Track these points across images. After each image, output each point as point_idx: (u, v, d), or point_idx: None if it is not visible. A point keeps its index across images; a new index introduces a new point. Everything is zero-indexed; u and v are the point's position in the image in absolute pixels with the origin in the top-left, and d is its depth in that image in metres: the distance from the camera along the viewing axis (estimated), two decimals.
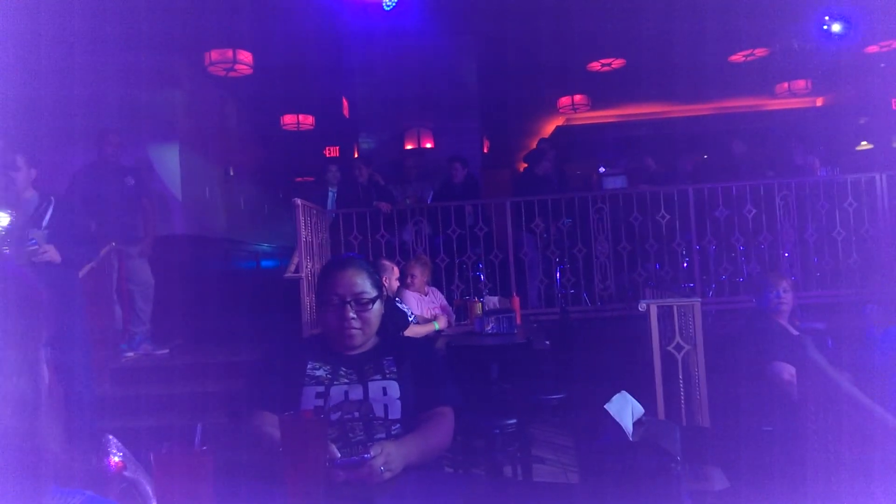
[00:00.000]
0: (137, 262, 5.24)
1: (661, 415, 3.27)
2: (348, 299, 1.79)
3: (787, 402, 2.54)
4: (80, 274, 3.79)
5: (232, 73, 6.59)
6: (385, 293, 1.89)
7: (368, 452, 1.40)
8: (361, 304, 1.79)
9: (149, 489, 1.20)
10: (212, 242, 7.23)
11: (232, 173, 8.15)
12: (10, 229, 3.04)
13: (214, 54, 6.32)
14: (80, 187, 4.98)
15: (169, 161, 6.62)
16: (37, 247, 3.10)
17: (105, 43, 6.11)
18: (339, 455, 1.41)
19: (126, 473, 1.22)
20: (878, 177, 5.81)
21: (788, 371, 2.64)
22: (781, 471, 1.92)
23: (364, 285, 1.81)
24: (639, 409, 1.87)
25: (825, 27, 6.83)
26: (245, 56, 6.42)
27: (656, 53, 7.24)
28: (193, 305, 6.16)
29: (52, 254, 3.17)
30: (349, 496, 1.35)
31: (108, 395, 4.47)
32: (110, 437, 1.24)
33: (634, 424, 1.84)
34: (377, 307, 1.83)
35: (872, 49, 7.57)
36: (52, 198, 3.36)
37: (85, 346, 3.52)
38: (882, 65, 8.21)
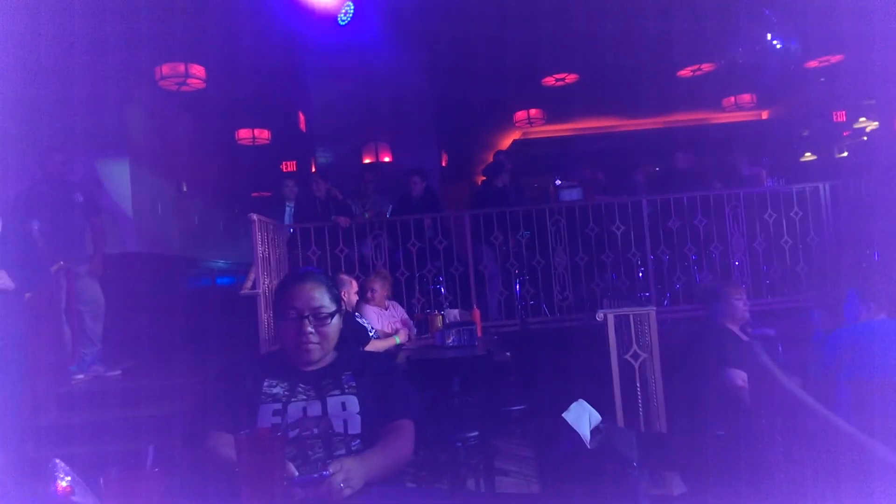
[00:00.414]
0: (87, 281, 5.06)
1: (620, 422, 3.32)
2: (306, 314, 1.76)
3: (740, 406, 2.61)
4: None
5: (184, 88, 6.48)
6: (344, 308, 1.87)
7: (327, 469, 1.38)
8: (319, 319, 1.77)
9: None
10: (165, 260, 7.05)
11: (185, 189, 7.98)
12: None
13: (165, 68, 6.22)
14: (25, 205, 4.80)
15: (119, 177, 6.44)
16: None
17: (59, 54, 5.95)
18: (297, 473, 1.38)
19: (74, 499, 1.18)
20: (821, 186, 6.07)
21: (741, 377, 2.71)
22: (736, 474, 1.96)
23: (322, 299, 1.79)
24: (596, 417, 1.89)
25: (768, 43, 7.13)
26: (198, 70, 6.33)
27: (608, 69, 7.43)
28: (146, 325, 5.98)
29: (4, 281, 2.77)
30: None
31: (55, 421, 4.29)
32: (57, 461, 1.20)
33: (592, 432, 1.86)
34: (335, 322, 1.81)
35: (812, 64, 7.93)
36: None
37: (22, 373, 3.33)
38: (822, 79, 8.61)
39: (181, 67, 6.21)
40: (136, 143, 6.71)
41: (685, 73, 8.09)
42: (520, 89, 8.40)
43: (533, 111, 9.21)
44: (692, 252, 6.07)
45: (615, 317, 3.61)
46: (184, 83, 6.35)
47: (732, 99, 9.14)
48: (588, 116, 10.26)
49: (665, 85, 8.34)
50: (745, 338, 3.13)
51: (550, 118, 9.51)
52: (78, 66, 6.13)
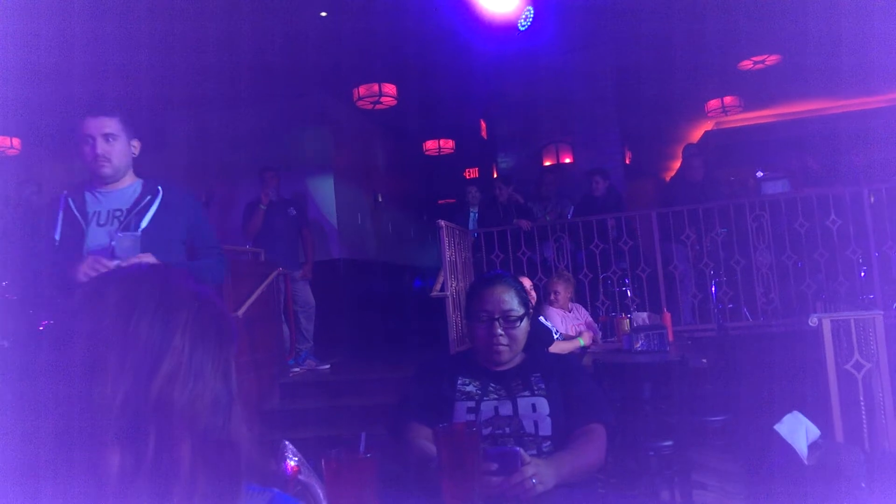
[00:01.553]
0: (300, 285, 5.71)
1: (840, 438, 2.94)
2: (496, 316, 1.82)
3: None
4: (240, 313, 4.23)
5: (378, 106, 7.00)
6: (531, 310, 1.90)
7: (517, 447, 1.43)
8: (509, 322, 1.82)
9: (320, 492, 1.30)
10: (364, 265, 7.68)
11: (380, 199, 8.63)
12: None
13: (362, 89, 6.76)
14: (246, 220, 5.58)
15: (325, 191, 7.16)
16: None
17: (270, 88, 6.81)
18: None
19: (300, 477, 1.33)
20: None
21: None
22: None
23: (512, 302, 1.84)
24: (814, 431, 1.70)
25: None
26: (389, 89, 6.80)
27: (817, 45, 6.62)
28: (350, 324, 6.58)
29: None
30: None
31: (277, 407, 4.88)
32: (287, 443, 1.37)
33: (809, 447, 1.67)
34: (524, 324, 1.85)
35: None
36: (160, 188, 2.33)
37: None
38: None
39: (375, 87, 6.72)
40: (338, 161, 7.41)
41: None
42: (713, 76, 7.81)
43: (728, 98, 8.51)
44: None
45: (832, 322, 3.22)
46: (378, 101, 6.86)
47: None
48: (793, 100, 9.22)
49: (884, 59, 7.22)
50: None
51: (748, 105, 8.72)
52: (284, 94, 6.95)
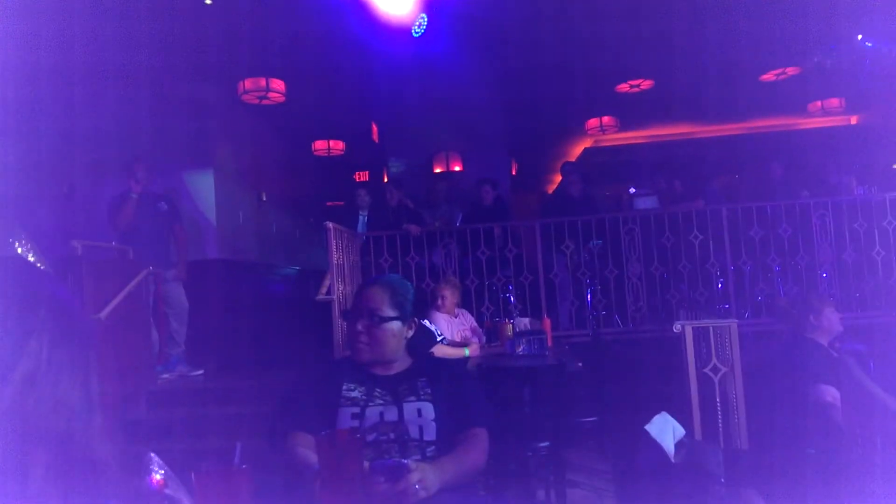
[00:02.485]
0: (172, 286, 5.35)
1: (698, 437, 3.19)
2: (362, 314, 1.81)
3: (830, 424, 2.46)
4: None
5: (265, 101, 6.75)
6: (409, 316, 1.87)
7: (405, 460, 1.41)
8: (372, 321, 1.80)
9: None
10: (245, 266, 7.35)
11: (264, 198, 8.31)
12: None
13: (248, 83, 6.49)
14: (112, 213, 5.14)
15: (204, 187, 6.78)
16: None
17: (139, 73, 6.34)
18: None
19: (167, 491, 1.24)
20: None
21: (831, 393, 2.56)
22: (824, 494, 1.85)
23: (379, 303, 1.82)
24: (680, 430, 1.82)
25: (860, 43, 6.73)
26: (277, 84, 6.58)
27: (686, 74, 7.21)
28: (226, 328, 6.26)
29: None
30: None
31: (144, 417, 4.54)
32: (152, 455, 1.26)
33: (676, 446, 1.79)
34: (392, 327, 1.82)
35: None
36: None
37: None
38: None
39: (262, 82, 6.48)
40: (219, 156, 7.04)
41: (769, 76, 7.74)
42: (592, 96, 8.27)
43: (606, 118, 9.04)
44: (776, 263, 5.79)
45: (694, 329, 3.49)
46: (265, 97, 6.62)
47: (819, 104, 8.65)
48: (664, 123, 9.97)
49: (747, 90, 8.00)
50: (835, 353, 2.96)
51: (624, 125, 9.31)
52: (162, 77, 6.51)
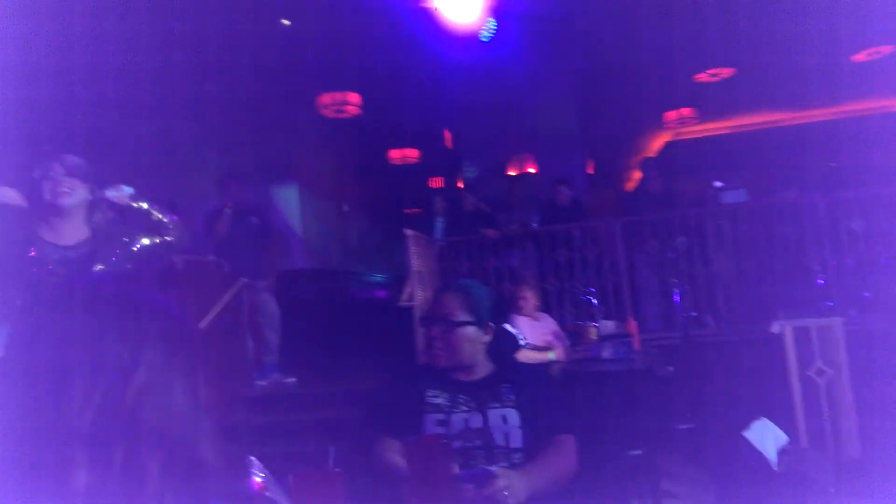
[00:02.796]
0: (265, 296, 5.57)
1: (804, 445, 2.99)
2: (436, 320, 1.81)
3: None
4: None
5: (341, 115, 6.95)
6: (485, 320, 1.84)
7: (492, 468, 1.40)
8: (446, 326, 1.79)
9: None
10: (330, 275, 7.58)
11: (346, 209, 8.54)
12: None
13: (326, 98, 6.71)
14: (207, 229, 5.42)
15: (289, 200, 7.06)
16: None
17: (235, 98, 6.69)
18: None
19: (267, 494, 1.28)
20: None
21: None
22: None
23: (453, 308, 1.81)
24: (782, 437, 1.72)
25: None
26: (353, 97, 6.77)
27: (771, 58, 6.83)
28: (315, 336, 6.47)
29: None
30: None
31: (242, 422, 4.75)
32: (252, 458, 1.32)
33: (779, 454, 1.69)
34: (467, 332, 1.80)
35: None
36: None
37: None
38: None
39: (339, 96, 6.68)
40: (303, 169, 7.31)
41: (860, 56, 7.22)
42: (669, 88, 8.00)
43: (685, 110, 8.72)
44: (883, 256, 5.36)
45: (794, 328, 3.28)
46: (342, 110, 6.81)
47: None
48: (748, 111, 9.50)
49: (835, 72, 7.49)
50: None
51: (705, 117, 8.95)
52: (252, 98, 6.83)
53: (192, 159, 6.91)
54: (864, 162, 6.50)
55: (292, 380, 5.52)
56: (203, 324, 4.29)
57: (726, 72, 7.55)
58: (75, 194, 2.23)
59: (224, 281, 4.98)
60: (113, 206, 2.37)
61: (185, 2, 4.69)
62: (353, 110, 6.89)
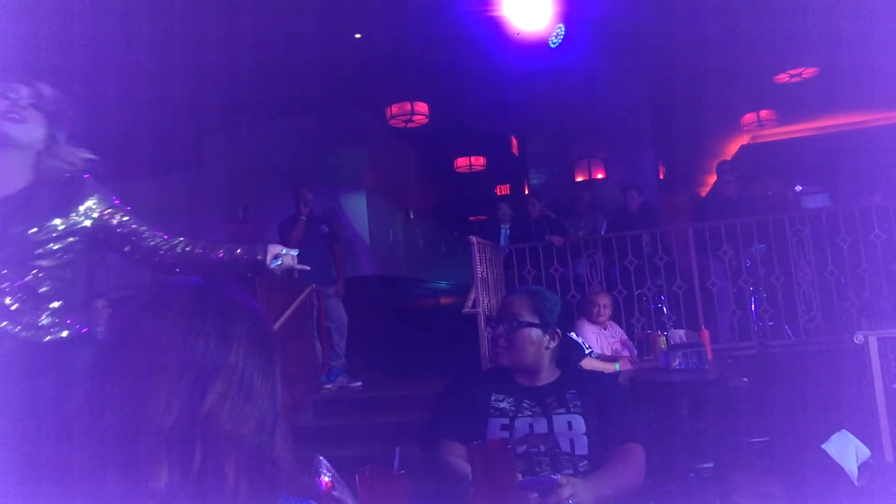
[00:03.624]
0: (333, 302, 5.75)
1: (889, 459, 2.81)
2: (503, 319, 1.85)
3: None
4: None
5: (410, 124, 7.07)
6: (552, 325, 1.84)
7: (556, 476, 1.40)
8: (511, 325, 1.82)
9: None
10: (396, 281, 7.70)
11: (412, 216, 8.67)
12: None
13: (395, 108, 6.85)
14: (282, 236, 5.63)
15: (357, 208, 7.24)
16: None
17: (305, 105, 6.93)
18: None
19: (335, 493, 1.33)
20: None
21: None
22: None
23: (519, 308, 1.84)
24: (864, 451, 1.63)
25: None
26: (421, 107, 6.88)
27: (853, 57, 6.46)
28: (381, 341, 6.59)
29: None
30: None
31: (310, 423, 4.90)
32: (321, 458, 1.37)
33: (860, 468, 1.60)
34: (531, 333, 1.81)
35: None
36: None
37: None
38: None
39: (408, 106, 6.80)
40: (371, 178, 7.48)
41: None
42: (748, 89, 7.69)
43: (764, 112, 8.36)
44: None
45: (879, 339, 3.10)
46: (410, 120, 6.93)
47: None
48: (830, 113, 9.01)
49: None
50: None
51: (785, 118, 8.55)
52: (319, 112, 7.07)
53: (266, 167, 7.21)
54: None
55: (358, 384, 5.64)
56: (275, 327, 4.45)
57: (808, 72, 7.20)
58: (28, 127, 1.77)
59: (295, 286, 5.15)
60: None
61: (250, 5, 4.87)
62: (421, 120, 7.00)
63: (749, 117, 8.48)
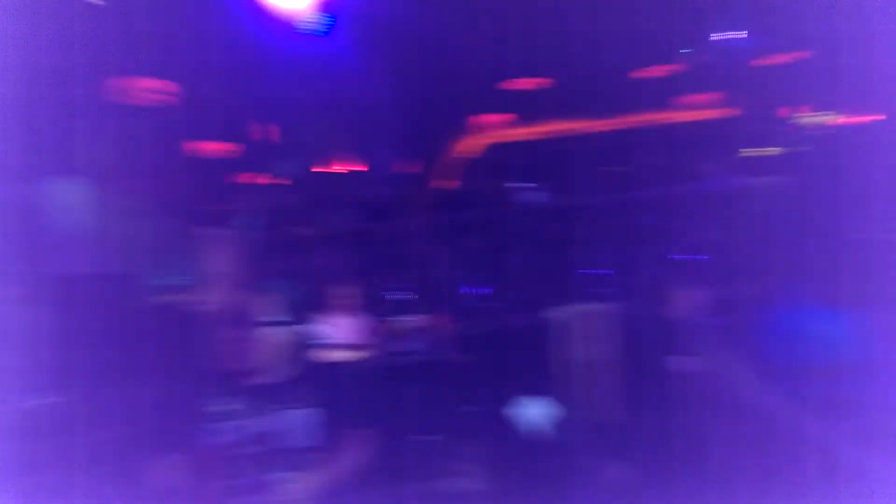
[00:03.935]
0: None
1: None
2: (232, 320, 1.75)
3: None
4: None
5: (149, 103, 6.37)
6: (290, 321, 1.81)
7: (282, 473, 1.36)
8: (242, 326, 1.74)
9: None
10: (111, 278, 6.87)
11: (141, 205, 7.82)
12: None
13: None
14: None
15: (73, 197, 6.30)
16: None
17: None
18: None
19: None
20: None
21: None
22: None
23: (251, 306, 1.79)
24: (549, 408, 1.74)
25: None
26: (164, 85, 6.24)
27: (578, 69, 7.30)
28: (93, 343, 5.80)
29: None
30: None
31: None
32: None
33: (545, 423, 1.71)
34: (266, 332, 1.77)
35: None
36: None
37: None
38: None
39: (151, 83, 6.13)
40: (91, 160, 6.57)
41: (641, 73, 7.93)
42: (488, 93, 8.29)
43: (504, 116, 9.08)
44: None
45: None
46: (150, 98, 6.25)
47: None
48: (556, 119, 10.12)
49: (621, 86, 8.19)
50: None
51: (521, 122, 9.39)
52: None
53: None
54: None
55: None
56: None
57: (543, 80, 7.98)
58: None
59: None
60: None
61: None
62: (162, 98, 6.34)
63: (491, 118, 9.15)
